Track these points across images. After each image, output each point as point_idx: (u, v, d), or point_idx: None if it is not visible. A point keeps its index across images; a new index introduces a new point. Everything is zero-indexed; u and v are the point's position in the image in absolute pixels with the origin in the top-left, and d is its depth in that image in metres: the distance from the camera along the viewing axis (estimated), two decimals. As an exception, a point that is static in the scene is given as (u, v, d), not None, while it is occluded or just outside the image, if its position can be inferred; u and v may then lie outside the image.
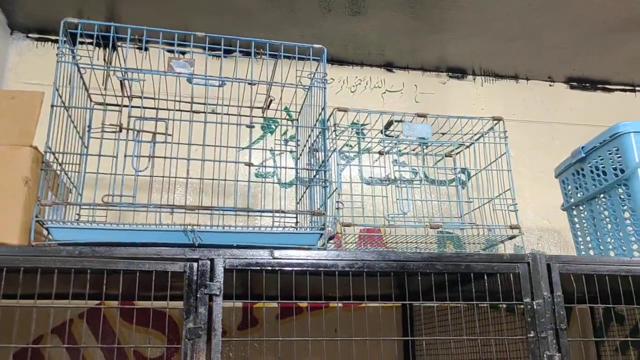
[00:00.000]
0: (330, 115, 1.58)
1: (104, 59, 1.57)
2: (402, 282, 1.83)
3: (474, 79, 2.73)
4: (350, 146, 2.35)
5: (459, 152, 1.83)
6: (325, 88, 1.49)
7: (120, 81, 1.58)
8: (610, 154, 1.72)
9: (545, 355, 1.39)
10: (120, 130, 1.45)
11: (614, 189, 1.72)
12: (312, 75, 1.63)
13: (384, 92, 2.62)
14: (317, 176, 1.49)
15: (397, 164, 1.78)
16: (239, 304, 2.19)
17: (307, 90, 1.70)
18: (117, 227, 1.37)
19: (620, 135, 1.67)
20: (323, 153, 1.46)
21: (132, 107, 1.59)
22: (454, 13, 2.29)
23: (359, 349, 2.15)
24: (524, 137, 2.67)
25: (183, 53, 1.72)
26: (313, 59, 1.58)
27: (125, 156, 1.39)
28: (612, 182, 1.70)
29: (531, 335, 1.41)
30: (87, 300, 1.89)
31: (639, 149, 1.64)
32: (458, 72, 2.73)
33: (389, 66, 2.67)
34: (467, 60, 2.66)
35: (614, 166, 1.72)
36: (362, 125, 1.71)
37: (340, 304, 2.31)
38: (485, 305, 1.59)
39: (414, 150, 2.04)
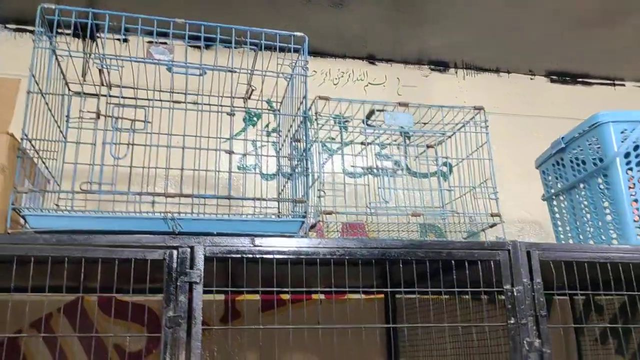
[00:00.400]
0: (311, 104, 1.58)
1: (83, 48, 1.55)
2: (384, 273, 1.84)
3: (456, 72, 2.75)
4: (333, 138, 2.35)
5: (440, 143, 1.84)
6: (306, 76, 1.49)
7: (99, 69, 1.56)
8: (589, 144, 1.74)
9: (525, 342, 1.40)
10: (99, 117, 1.43)
11: (593, 179, 1.73)
12: (294, 63, 1.62)
13: (367, 85, 2.62)
14: (299, 165, 1.48)
15: (380, 155, 1.79)
16: (221, 296, 2.18)
17: (288, 79, 1.70)
18: (96, 214, 1.35)
19: (599, 125, 1.69)
20: (304, 142, 1.46)
21: (111, 96, 1.57)
22: (436, 6, 2.30)
23: (341, 340, 2.15)
24: (506, 130, 2.69)
25: (164, 43, 1.70)
26: (294, 48, 1.58)
27: (103, 143, 1.37)
28: (591, 171, 1.72)
29: (511, 322, 1.42)
30: (65, 294, 1.87)
31: (618, 138, 1.66)
32: (440, 65, 2.74)
33: (371, 59, 2.67)
34: (449, 53, 2.67)
35: (593, 156, 1.74)
36: (345, 118, 1.71)
37: (322, 296, 2.31)
38: (467, 295, 1.59)
39: (395, 141, 2.05)
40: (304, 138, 1.46)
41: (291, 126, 1.67)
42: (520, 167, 2.53)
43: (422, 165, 2.25)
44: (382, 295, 2.30)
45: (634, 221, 1.62)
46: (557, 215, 1.95)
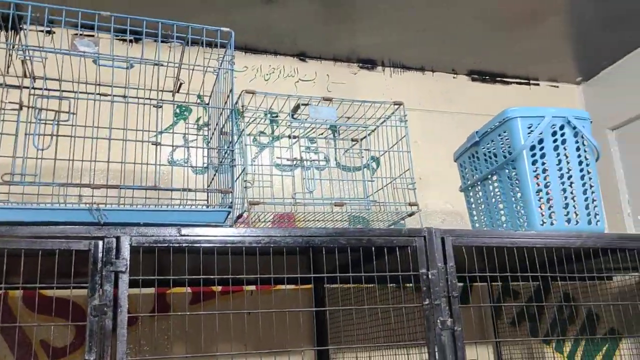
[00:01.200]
0: (238, 98, 1.62)
1: (6, 39, 1.53)
2: (314, 263, 1.91)
3: (383, 70, 2.85)
4: (263, 132, 2.40)
5: (365, 137, 1.92)
6: (232, 70, 1.53)
7: (22, 61, 1.54)
8: (500, 137, 1.87)
9: (438, 321, 1.50)
10: (21, 108, 1.42)
11: (504, 170, 1.87)
12: (222, 58, 1.66)
13: (297, 81, 2.68)
14: (226, 158, 1.52)
15: (307, 148, 1.85)
16: (151, 290, 2.18)
17: (216, 73, 1.73)
18: (19, 206, 1.35)
19: (508, 120, 1.82)
20: (231, 135, 1.50)
21: (34, 88, 1.56)
22: (365, 5, 2.38)
23: (270, 329, 2.21)
24: (430, 126, 2.82)
25: (91, 35, 1.69)
26: (221, 43, 1.61)
27: (26, 134, 1.36)
28: (502, 163, 1.85)
29: (426, 303, 1.52)
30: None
31: (525, 132, 1.79)
32: (368, 63, 2.83)
33: (302, 56, 2.73)
34: (377, 51, 2.77)
35: (503, 149, 1.87)
36: (274, 113, 1.76)
37: (252, 287, 2.36)
38: (390, 283, 1.68)
39: (322, 134, 2.12)
40: (231, 131, 1.50)
41: (219, 119, 1.71)
42: (443, 161, 2.66)
43: (350, 159, 2.34)
44: (311, 285, 2.38)
45: (539, 209, 1.76)
46: (473, 205, 2.08)
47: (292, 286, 2.37)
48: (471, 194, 2.09)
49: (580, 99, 3.12)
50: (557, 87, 3.13)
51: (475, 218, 2.06)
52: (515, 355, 2.58)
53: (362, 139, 1.90)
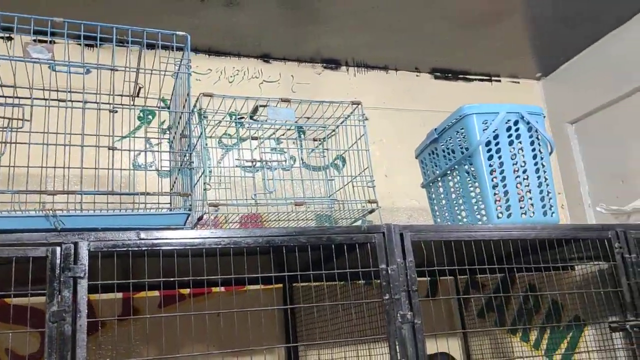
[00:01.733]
0: (197, 101, 1.63)
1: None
2: (281, 262, 1.93)
3: (347, 70, 2.88)
4: (226, 134, 2.41)
5: (325, 138, 1.95)
6: (189, 74, 1.54)
7: (-25, 68, 1.53)
8: (457, 134, 1.91)
9: (398, 315, 1.53)
10: (-26, 117, 1.41)
11: (462, 166, 1.91)
12: (179, 62, 1.66)
13: (262, 83, 2.70)
14: (186, 160, 1.53)
15: (274, 149, 1.86)
16: (119, 294, 2.18)
17: (175, 77, 1.74)
18: (-26, 215, 1.34)
19: (465, 117, 1.86)
20: (189, 138, 1.51)
21: (-10, 95, 1.55)
22: (328, 5, 2.40)
23: (240, 331, 2.23)
24: (394, 125, 2.86)
25: (44, 41, 1.69)
26: (178, 47, 1.62)
27: (-21, 142, 1.36)
28: (460, 159, 1.89)
29: (386, 297, 1.55)
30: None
31: (480, 128, 1.84)
32: (332, 63, 2.86)
33: (266, 57, 2.75)
34: (341, 51, 2.80)
35: (461, 145, 1.91)
36: (240, 115, 1.78)
37: (222, 289, 2.37)
38: (349, 279, 1.71)
39: (288, 135, 2.14)
40: (189, 134, 1.52)
41: (179, 122, 1.72)
42: (408, 159, 2.69)
43: (315, 159, 2.36)
44: (281, 285, 2.40)
45: (496, 203, 1.81)
46: (435, 201, 2.12)
47: (263, 286, 2.39)
48: (432, 190, 2.13)
49: (541, 94, 3.19)
50: (518, 82, 3.20)
51: (437, 213, 2.11)
52: (483, 347, 2.63)
53: (323, 139, 1.93)
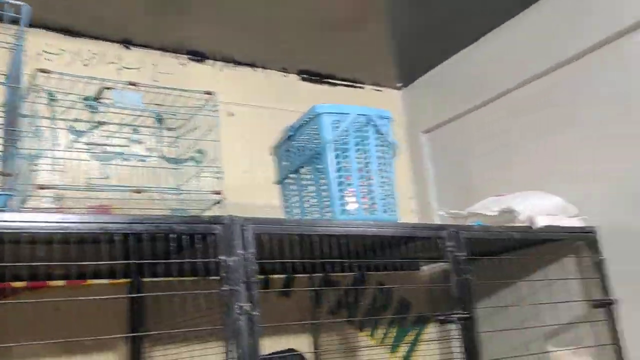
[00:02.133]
0: (34, 78, 1.53)
1: None
2: (126, 255, 1.85)
3: (214, 64, 2.85)
4: (77, 118, 2.28)
5: (179, 127, 1.91)
6: (20, 46, 1.43)
7: None
8: (310, 132, 1.96)
9: (237, 306, 1.53)
10: None
11: (313, 163, 1.96)
12: (17, 34, 1.55)
13: (120, 69, 2.58)
14: (11, 140, 1.42)
15: (132, 140, 1.79)
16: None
17: (14, 50, 1.61)
18: None
19: (317, 116, 1.91)
20: (17, 116, 1.41)
21: None
22: (196, -4, 2.35)
23: (81, 328, 2.11)
24: (259, 123, 2.86)
25: None
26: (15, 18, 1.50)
27: None
28: (310, 156, 1.94)
29: (225, 288, 1.54)
30: None
31: (331, 127, 1.90)
32: (198, 56, 2.81)
33: (126, 42, 2.63)
34: (207, 44, 2.76)
35: (313, 143, 1.96)
36: (84, 97, 1.68)
37: (64, 282, 2.23)
38: (202, 275, 1.68)
39: (143, 122, 2.07)
40: (17, 112, 1.41)
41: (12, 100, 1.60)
42: (269, 157, 2.72)
43: (170, 150, 2.30)
44: (130, 280, 2.30)
45: (341, 200, 1.87)
46: (287, 197, 2.15)
47: (110, 281, 2.28)
48: (285, 186, 2.16)
49: (400, 104, 3.35)
50: (381, 91, 3.35)
51: (288, 209, 2.14)
52: (333, 343, 2.71)
53: (174, 129, 1.89)
